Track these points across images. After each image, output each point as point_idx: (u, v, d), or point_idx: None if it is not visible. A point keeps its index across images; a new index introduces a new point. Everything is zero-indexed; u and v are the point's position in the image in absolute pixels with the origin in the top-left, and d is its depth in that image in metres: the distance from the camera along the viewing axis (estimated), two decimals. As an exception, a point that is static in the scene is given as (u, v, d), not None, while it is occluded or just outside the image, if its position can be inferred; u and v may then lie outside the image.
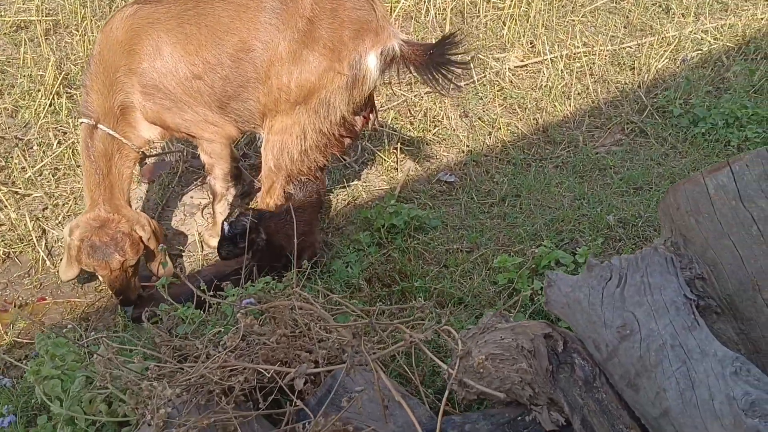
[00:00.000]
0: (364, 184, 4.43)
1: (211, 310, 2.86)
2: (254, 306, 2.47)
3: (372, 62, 3.29)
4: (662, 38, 5.90)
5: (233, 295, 2.77)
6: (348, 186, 4.40)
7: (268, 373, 2.01)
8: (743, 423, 1.51)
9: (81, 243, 3.34)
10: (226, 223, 3.38)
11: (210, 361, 2.05)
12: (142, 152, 3.59)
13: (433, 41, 3.51)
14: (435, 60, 3.35)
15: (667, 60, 5.64)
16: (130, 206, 3.54)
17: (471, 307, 3.44)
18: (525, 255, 3.73)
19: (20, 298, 3.69)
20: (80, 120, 3.44)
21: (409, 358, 2.72)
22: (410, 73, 3.44)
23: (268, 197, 3.64)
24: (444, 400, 1.78)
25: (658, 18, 6.22)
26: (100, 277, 3.52)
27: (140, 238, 3.43)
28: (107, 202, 3.38)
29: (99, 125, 3.33)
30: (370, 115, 3.66)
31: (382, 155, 4.62)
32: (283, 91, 3.32)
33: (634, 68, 5.60)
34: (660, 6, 6.38)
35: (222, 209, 3.84)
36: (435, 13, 5.76)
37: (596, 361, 1.79)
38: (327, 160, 3.68)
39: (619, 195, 4.39)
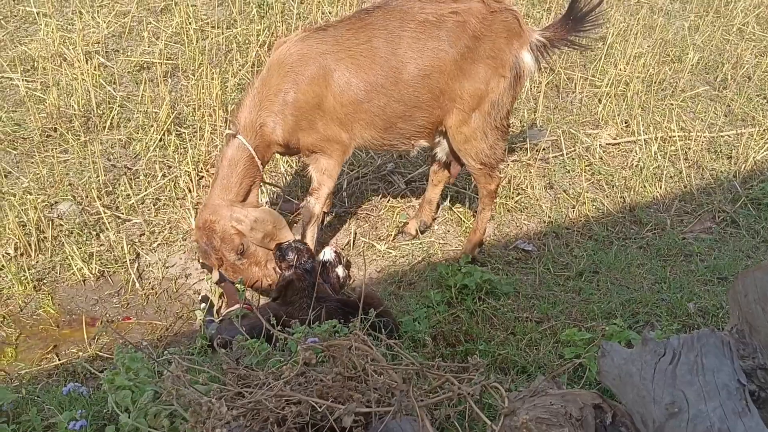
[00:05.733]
0: (441, 242, 4.51)
1: (277, 344, 2.98)
2: (318, 344, 2.57)
3: (527, 58, 3.81)
4: (764, 129, 5.76)
5: (300, 332, 2.88)
6: (425, 243, 4.48)
7: (320, 407, 2.08)
8: None
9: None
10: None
11: (267, 388, 2.15)
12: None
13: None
14: (576, 24, 3.81)
15: (766, 152, 5.49)
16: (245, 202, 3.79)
17: (534, 377, 3.40)
18: (595, 332, 3.68)
19: (108, 315, 3.94)
20: (225, 131, 3.83)
21: (462, 419, 2.74)
22: (559, 49, 3.95)
23: (490, 185, 4.14)
24: (484, 454, 1.81)
25: (761, 109, 6.09)
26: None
27: (238, 233, 3.67)
28: (210, 204, 3.70)
29: (238, 135, 3.66)
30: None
31: (462, 216, 4.70)
32: (456, 103, 3.76)
33: (731, 157, 5.49)
34: (764, 97, 6.25)
35: (312, 234, 4.02)
36: (530, 86, 5.86)
37: (643, 437, 1.77)
38: (506, 142, 4.14)
39: (703, 283, 4.27)
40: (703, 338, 1.75)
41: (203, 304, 3.82)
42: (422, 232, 4.54)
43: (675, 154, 5.44)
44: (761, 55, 6.83)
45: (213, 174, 3.80)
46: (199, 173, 4.71)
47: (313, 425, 2.28)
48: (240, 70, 5.55)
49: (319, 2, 6.44)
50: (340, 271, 3.90)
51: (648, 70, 6.20)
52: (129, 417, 2.51)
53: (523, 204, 4.88)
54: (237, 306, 3.60)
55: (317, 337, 2.82)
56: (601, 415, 1.83)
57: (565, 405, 1.88)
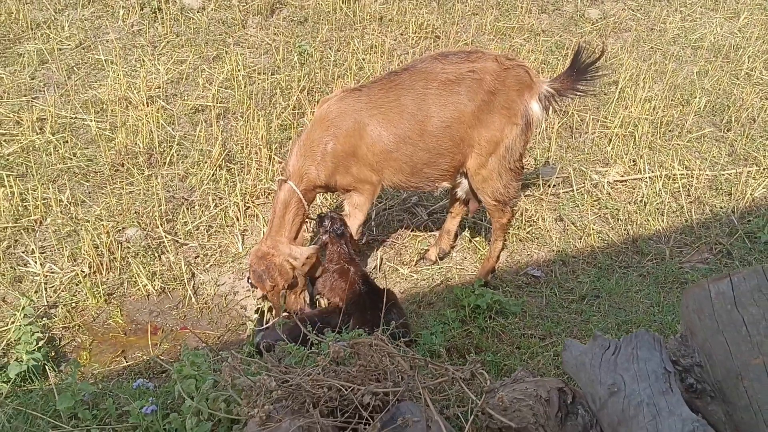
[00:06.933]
0: (459, 268, 5.06)
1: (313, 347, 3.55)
2: (346, 346, 3.14)
3: (535, 107, 4.35)
4: (764, 168, 6.21)
5: (331, 337, 3.45)
6: (443, 268, 5.04)
7: (347, 390, 2.64)
8: (689, 466, 1.97)
9: (249, 268, 4.32)
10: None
11: (305, 373, 2.72)
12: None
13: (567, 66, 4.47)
14: (579, 75, 4.34)
15: (764, 189, 5.94)
16: (295, 241, 4.38)
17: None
18: (590, 347, 4.17)
19: (167, 325, 4.57)
20: (278, 177, 4.44)
21: (466, 414, 3.27)
22: (566, 97, 4.44)
23: (503, 219, 4.69)
24: (469, 423, 2.34)
25: (763, 149, 6.53)
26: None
27: (291, 267, 4.25)
28: (271, 239, 4.27)
29: (288, 181, 4.26)
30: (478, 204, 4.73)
31: (478, 245, 5.25)
32: (475, 148, 4.33)
33: (731, 194, 5.94)
34: (767, 138, 6.69)
35: None
36: (545, 127, 6.42)
37: (593, 412, 2.29)
38: (520, 182, 4.65)
39: (694, 307, 4.73)
40: (639, 336, 2.27)
41: (256, 316, 4.43)
42: (441, 259, 5.11)
43: (678, 191, 5.92)
44: (767, 99, 7.27)
45: (270, 212, 4.38)
46: (246, 204, 5.35)
47: (341, 410, 2.84)
48: (283, 113, 6.22)
49: (354, 50, 7.12)
50: None
51: (657, 113, 6.71)
52: (193, 401, 3.10)
53: (534, 234, 5.41)
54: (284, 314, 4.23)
55: (345, 341, 3.40)
56: (564, 396, 2.34)
57: (537, 389, 2.41)
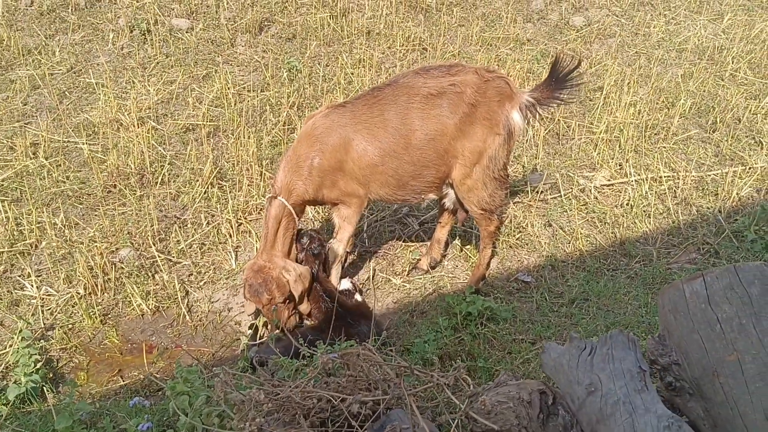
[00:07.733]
0: (450, 276, 5.13)
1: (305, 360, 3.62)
2: (336, 358, 3.20)
3: (516, 117, 4.43)
4: (749, 168, 6.29)
5: (323, 350, 3.52)
6: (435, 277, 5.11)
7: (336, 400, 2.70)
8: (665, 462, 2.03)
9: (244, 283, 4.36)
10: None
11: (294, 385, 2.78)
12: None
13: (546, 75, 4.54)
14: (558, 84, 4.44)
15: (750, 188, 6.02)
16: (289, 255, 4.44)
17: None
18: (580, 350, 4.23)
19: (162, 344, 4.63)
20: (267, 194, 4.51)
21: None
22: (547, 106, 4.54)
23: (490, 227, 4.77)
24: (453, 427, 2.40)
25: (749, 149, 6.61)
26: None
27: (287, 281, 4.30)
28: (266, 253, 4.33)
29: (278, 197, 4.32)
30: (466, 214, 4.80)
31: (469, 253, 5.32)
32: (459, 159, 4.41)
33: (717, 194, 6.02)
34: (753, 137, 6.78)
35: (337, 272, 4.68)
36: (532, 134, 6.50)
37: (573, 412, 2.35)
38: (506, 190, 4.73)
39: (683, 307, 4.79)
40: (614, 337, 2.34)
41: (249, 331, 4.48)
42: (433, 268, 5.18)
43: (664, 193, 5.99)
44: (752, 98, 7.35)
45: (262, 228, 4.45)
46: (239, 221, 5.42)
47: (332, 421, 2.90)
48: (273, 129, 6.30)
49: (342, 65, 7.21)
50: (358, 297, 4.56)
51: (642, 117, 6.79)
52: (187, 417, 3.16)
53: (523, 241, 5.48)
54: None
55: (335, 353, 3.46)
56: (545, 397, 2.41)
57: (519, 391, 2.47)
